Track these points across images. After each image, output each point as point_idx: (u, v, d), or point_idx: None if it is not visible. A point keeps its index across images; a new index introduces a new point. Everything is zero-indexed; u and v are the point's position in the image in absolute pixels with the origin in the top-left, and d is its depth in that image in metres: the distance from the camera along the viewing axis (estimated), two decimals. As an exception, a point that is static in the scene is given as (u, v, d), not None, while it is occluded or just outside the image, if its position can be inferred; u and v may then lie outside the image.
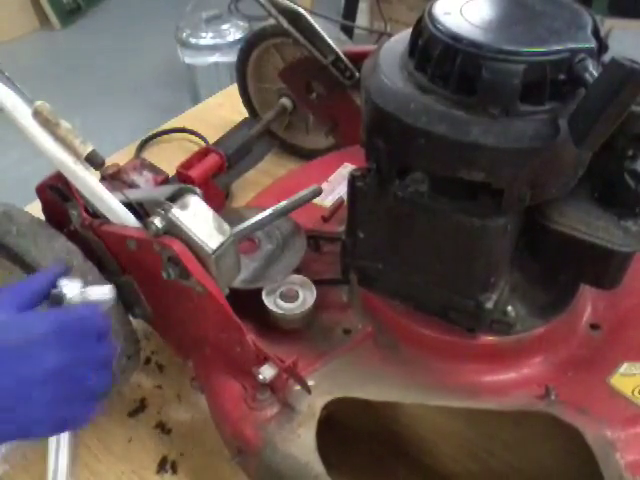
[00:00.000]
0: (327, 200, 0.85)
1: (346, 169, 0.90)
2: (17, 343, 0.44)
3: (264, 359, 0.59)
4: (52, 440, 0.55)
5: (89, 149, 0.56)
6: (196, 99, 2.45)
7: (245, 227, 0.68)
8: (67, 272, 0.54)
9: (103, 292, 0.54)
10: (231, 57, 2.38)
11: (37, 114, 0.55)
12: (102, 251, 0.63)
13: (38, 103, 0.55)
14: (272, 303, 0.67)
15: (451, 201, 0.56)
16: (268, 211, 0.70)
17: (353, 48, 0.83)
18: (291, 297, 0.67)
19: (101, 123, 2.45)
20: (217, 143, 0.96)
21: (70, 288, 0.52)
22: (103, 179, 0.62)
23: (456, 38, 0.50)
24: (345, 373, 0.64)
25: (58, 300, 0.51)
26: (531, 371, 0.64)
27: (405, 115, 0.52)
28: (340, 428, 0.62)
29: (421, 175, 0.59)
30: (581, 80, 0.48)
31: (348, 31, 1.23)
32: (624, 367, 0.62)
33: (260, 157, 1.01)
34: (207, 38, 2.49)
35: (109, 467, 0.69)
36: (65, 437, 0.54)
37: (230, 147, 0.92)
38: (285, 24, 0.80)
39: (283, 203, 0.71)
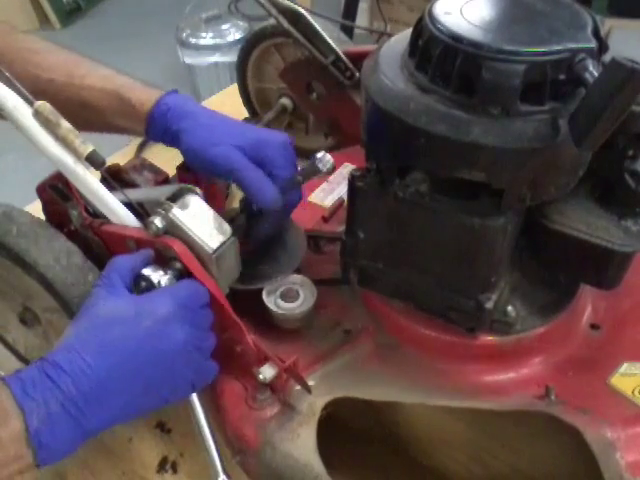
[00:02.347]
0: (327, 200, 0.85)
1: (346, 169, 0.90)
2: (148, 326, 0.50)
3: (264, 359, 0.59)
4: (192, 404, 0.59)
5: (89, 149, 0.56)
6: (196, 99, 2.43)
7: None
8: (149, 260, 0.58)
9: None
10: (231, 57, 2.38)
11: (38, 114, 0.55)
12: (102, 251, 0.63)
13: (39, 103, 0.55)
14: (272, 303, 0.67)
15: (451, 201, 0.56)
16: None
17: (353, 48, 0.83)
18: (291, 297, 0.67)
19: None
20: (217, 143, 0.96)
21: (156, 275, 0.56)
22: (103, 179, 0.61)
23: (456, 38, 0.50)
24: (345, 373, 0.64)
25: (150, 284, 0.55)
26: (531, 371, 0.64)
27: (405, 115, 0.52)
28: (340, 428, 0.62)
29: (421, 175, 0.59)
30: (581, 80, 0.48)
31: (348, 31, 1.22)
32: (624, 367, 0.62)
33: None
34: (207, 38, 2.49)
35: (109, 467, 0.69)
36: (194, 398, 0.59)
37: (230, 147, 0.92)
38: (285, 24, 0.80)
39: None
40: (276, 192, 0.62)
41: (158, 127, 0.65)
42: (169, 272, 0.56)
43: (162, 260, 0.57)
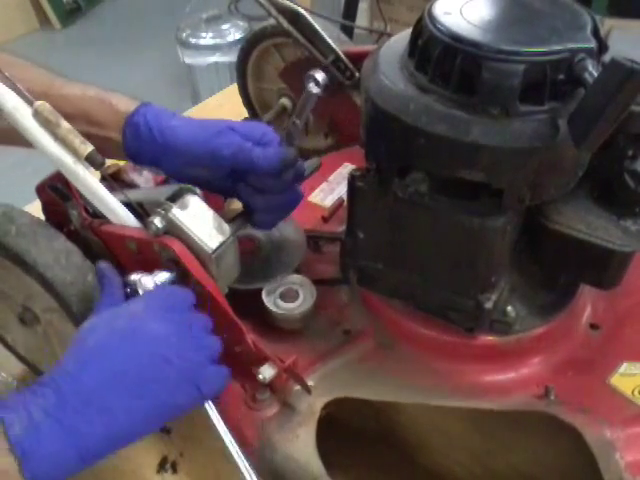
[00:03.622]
0: (327, 200, 0.85)
1: (346, 169, 0.90)
2: (121, 327, 0.51)
3: (264, 359, 0.59)
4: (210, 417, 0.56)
5: (89, 149, 0.56)
6: (196, 99, 2.44)
7: None
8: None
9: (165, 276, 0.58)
10: (231, 57, 2.37)
11: (37, 114, 0.55)
12: (102, 251, 0.63)
13: (38, 103, 0.55)
14: (272, 303, 0.67)
15: (451, 201, 0.56)
16: None
17: (353, 48, 0.83)
18: (291, 297, 0.67)
19: (101, 123, 2.44)
20: (217, 143, 0.96)
21: (145, 279, 0.56)
22: (103, 179, 0.61)
23: (456, 38, 0.50)
24: (345, 373, 0.64)
25: (134, 289, 0.55)
26: (531, 371, 0.64)
27: (405, 115, 0.52)
28: (340, 428, 0.62)
29: (421, 175, 0.59)
30: (581, 80, 0.48)
31: (348, 31, 1.22)
32: (624, 367, 0.62)
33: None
34: (207, 38, 2.49)
35: (109, 467, 0.69)
36: (211, 407, 0.54)
37: (230, 147, 0.92)
38: (285, 24, 0.80)
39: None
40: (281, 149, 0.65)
41: (141, 126, 0.62)
42: (161, 274, 0.56)
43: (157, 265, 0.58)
